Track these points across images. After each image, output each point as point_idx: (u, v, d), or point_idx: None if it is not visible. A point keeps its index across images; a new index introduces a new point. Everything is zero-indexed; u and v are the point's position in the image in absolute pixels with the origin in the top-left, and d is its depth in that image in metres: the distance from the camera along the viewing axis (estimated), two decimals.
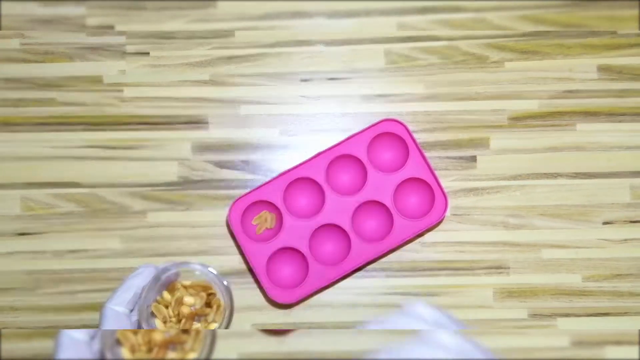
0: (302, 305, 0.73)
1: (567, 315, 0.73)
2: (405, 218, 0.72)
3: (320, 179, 0.72)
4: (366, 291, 0.73)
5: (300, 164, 0.72)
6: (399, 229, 0.72)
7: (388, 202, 0.72)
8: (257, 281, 0.73)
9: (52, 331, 0.72)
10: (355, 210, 0.72)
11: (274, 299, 0.71)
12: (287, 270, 0.72)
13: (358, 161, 0.73)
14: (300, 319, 0.73)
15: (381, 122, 0.73)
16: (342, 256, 0.72)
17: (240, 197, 0.72)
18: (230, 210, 0.72)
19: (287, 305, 0.73)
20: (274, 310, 0.73)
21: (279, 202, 0.72)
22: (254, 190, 0.72)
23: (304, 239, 0.72)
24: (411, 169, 0.72)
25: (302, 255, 0.71)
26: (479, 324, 0.72)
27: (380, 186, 0.72)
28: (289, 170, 0.72)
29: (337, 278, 0.71)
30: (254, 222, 0.73)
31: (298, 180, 0.72)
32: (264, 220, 0.73)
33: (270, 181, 0.72)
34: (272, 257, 0.71)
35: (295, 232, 0.72)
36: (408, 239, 0.72)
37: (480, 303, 0.73)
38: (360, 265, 0.71)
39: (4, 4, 0.76)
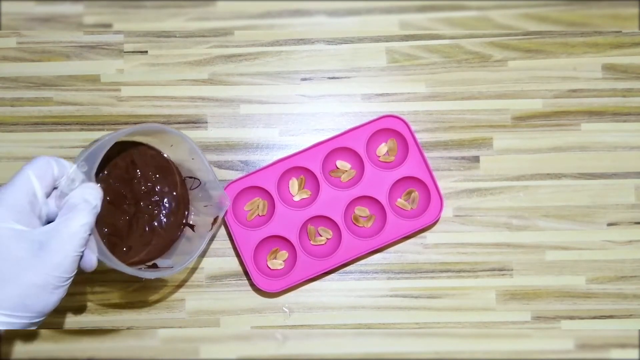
0: (302, 306, 0.72)
1: (571, 317, 0.72)
2: (399, 217, 0.71)
3: (317, 169, 0.72)
4: (367, 293, 0.72)
5: (298, 153, 0.72)
6: (392, 227, 0.71)
7: (383, 199, 0.71)
8: (246, 273, 0.72)
9: (49, 333, 0.71)
10: (349, 205, 0.71)
11: (258, 286, 0.70)
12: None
13: (356, 155, 0.72)
14: (301, 321, 0.72)
15: (382, 118, 0.72)
16: (331, 250, 0.71)
17: (232, 181, 0.71)
18: None
19: (272, 294, 0.72)
20: (274, 313, 0.72)
21: (272, 189, 0.71)
22: (247, 175, 0.71)
23: (294, 229, 0.71)
24: (409, 168, 0.72)
25: (292, 245, 0.71)
26: (482, 327, 0.72)
27: (377, 182, 0.72)
28: (285, 158, 0.72)
29: (323, 271, 0.70)
30: (246, 208, 0.72)
31: (294, 169, 0.72)
32: (256, 207, 0.72)
33: (265, 167, 0.72)
34: (260, 245, 0.71)
35: (286, 221, 0.71)
36: (400, 238, 0.71)
37: (483, 305, 0.72)
38: (348, 260, 0.71)
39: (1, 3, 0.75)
